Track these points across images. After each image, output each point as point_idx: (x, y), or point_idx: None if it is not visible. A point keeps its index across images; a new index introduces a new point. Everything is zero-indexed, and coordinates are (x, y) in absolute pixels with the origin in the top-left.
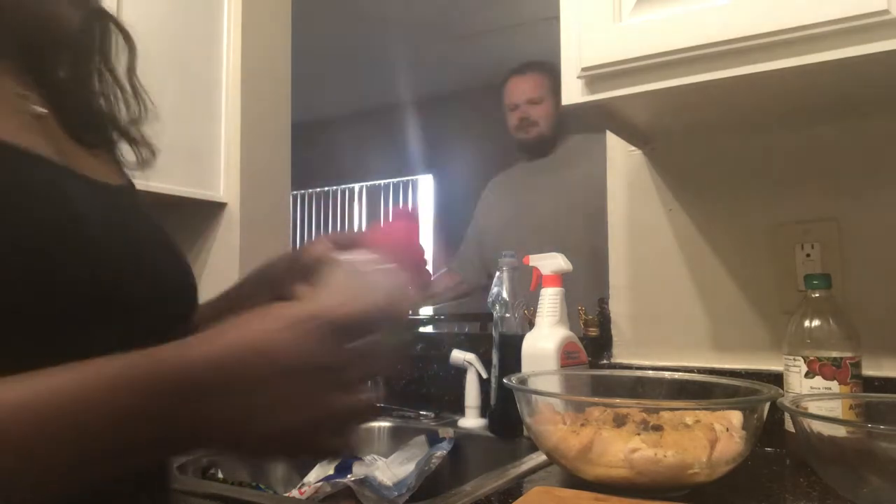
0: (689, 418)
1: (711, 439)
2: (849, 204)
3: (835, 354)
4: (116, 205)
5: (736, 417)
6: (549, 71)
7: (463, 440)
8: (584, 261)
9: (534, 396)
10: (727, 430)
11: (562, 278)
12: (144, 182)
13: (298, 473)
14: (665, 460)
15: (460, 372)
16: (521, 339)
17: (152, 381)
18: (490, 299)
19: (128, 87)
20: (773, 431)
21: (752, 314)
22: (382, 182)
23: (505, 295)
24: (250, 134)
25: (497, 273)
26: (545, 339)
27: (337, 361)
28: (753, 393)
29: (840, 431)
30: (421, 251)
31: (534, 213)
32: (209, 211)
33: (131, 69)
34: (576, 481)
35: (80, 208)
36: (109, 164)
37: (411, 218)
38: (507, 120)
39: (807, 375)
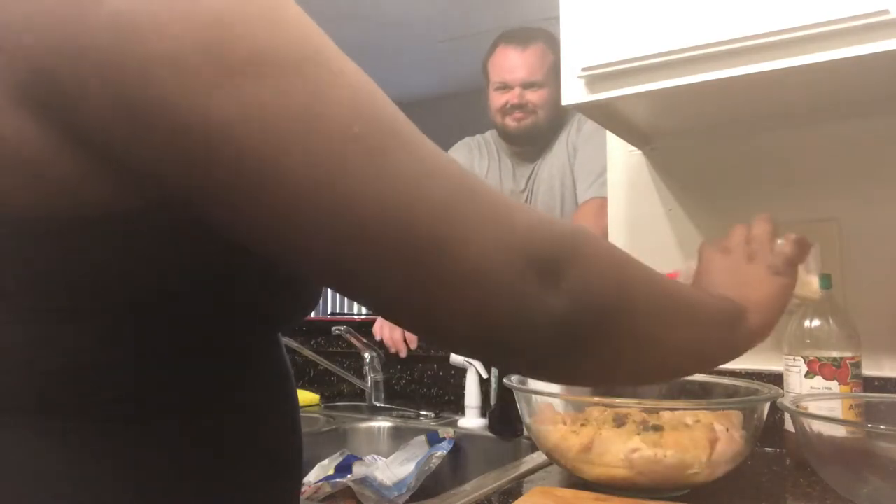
0: (689, 418)
1: (711, 439)
2: (849, 204)
3: (835, 354)
4: None
5: (736, 417)
6: (554, 44)
7: (463, 440)
8: None
9: (534, 396)
10: (727, 430)
11: None
12: None
13: None
14: (665, 460)
15: (460, 372)
16: None
17: (716, 297)
18: None
19: None
20: (773, 431)
21: None
22: None
23: None
24: None
25: None
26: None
27: (740, 253)
28: (753, 393)
29: (840, 431)
30: None
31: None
32: None
33: None
34: (576, 481)
35: None
36: None
37: None
38: (490, 100)
39: (807, 375)
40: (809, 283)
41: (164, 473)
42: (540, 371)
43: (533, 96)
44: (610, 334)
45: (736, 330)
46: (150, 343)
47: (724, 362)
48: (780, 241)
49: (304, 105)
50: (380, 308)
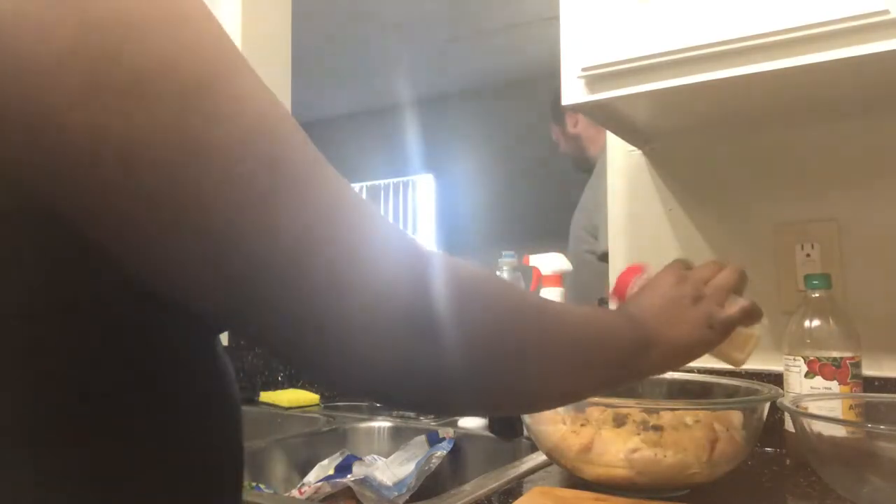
0: (689, 418)
1: (711, 439)
2: (849, 204)
3: (835, 354)
4: None
5: (736, 417)
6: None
7: (463, 440)
8: None
9: None
10: (727, 430)
11: (562, 278)
12: None
13: (298, 473)
14: (665, 460)
15: None
16: None
17: (627, 324)
18: None
19: None
20: (773, 431)
21: None
22: (382, 182)
23: None
24: None
25: (496, 273)
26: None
27: (691, 290)
28: (753, 393)
29: (840, 431)
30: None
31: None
32: None
33: None
34: (576, 481)
35: None
36: None
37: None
38: None
39: (807, 375)
40: (745, 342)
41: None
42: (427, 412)
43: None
44: (498, 385)
45: (632, 363)
46: (49, 359)
47: (613, 390)
48: (736, 299)
49: (188, 135)
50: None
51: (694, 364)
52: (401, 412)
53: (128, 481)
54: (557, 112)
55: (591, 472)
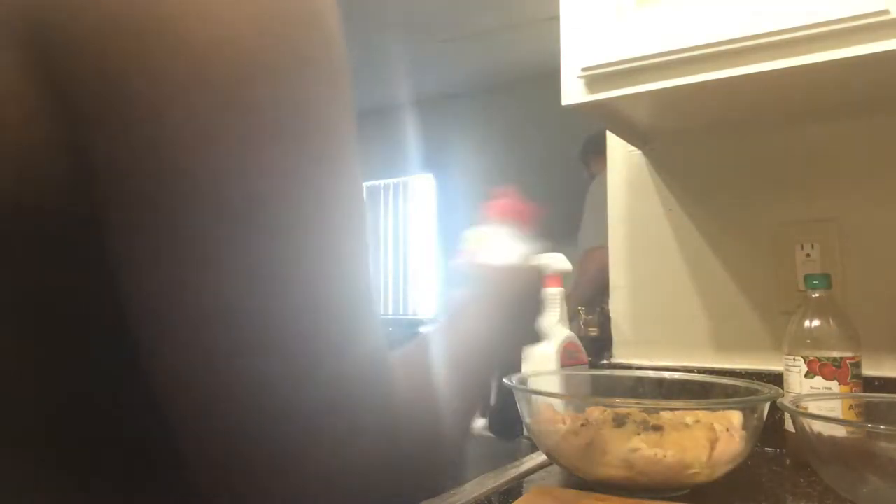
0: (689, 418)
1: (711, 439)
2: (849, 204)
3: (835, 354)
4: None
5: (736, 417)
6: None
7: None
8: None
9: (534, 396)
10: (727, 430)
11: (562, 278)
12: None
13: None
14: (665, 460)
15: None
16: None
17: (500, 302)
18: None
19: None
20: (773, 431)
21: (752, 314)
22: (382, 182)
23: None
24: None
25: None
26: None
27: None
28: (753, 393)
29: (840, 431)
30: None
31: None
32: None
33: None
34: (576, 481)
35: None
36: None
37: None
38: None
39: (807, 375)
40: None
41: None
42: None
43: None
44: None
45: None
46: (52, 362)
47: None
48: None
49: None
50: None
51: (694, 364)
52: None
53: (132, 485)
54: (585, 154)
55: (591, 472)
